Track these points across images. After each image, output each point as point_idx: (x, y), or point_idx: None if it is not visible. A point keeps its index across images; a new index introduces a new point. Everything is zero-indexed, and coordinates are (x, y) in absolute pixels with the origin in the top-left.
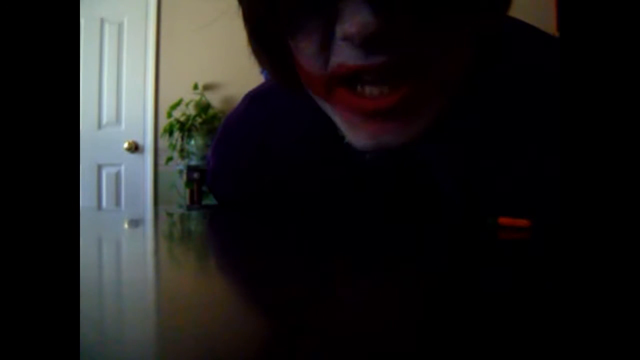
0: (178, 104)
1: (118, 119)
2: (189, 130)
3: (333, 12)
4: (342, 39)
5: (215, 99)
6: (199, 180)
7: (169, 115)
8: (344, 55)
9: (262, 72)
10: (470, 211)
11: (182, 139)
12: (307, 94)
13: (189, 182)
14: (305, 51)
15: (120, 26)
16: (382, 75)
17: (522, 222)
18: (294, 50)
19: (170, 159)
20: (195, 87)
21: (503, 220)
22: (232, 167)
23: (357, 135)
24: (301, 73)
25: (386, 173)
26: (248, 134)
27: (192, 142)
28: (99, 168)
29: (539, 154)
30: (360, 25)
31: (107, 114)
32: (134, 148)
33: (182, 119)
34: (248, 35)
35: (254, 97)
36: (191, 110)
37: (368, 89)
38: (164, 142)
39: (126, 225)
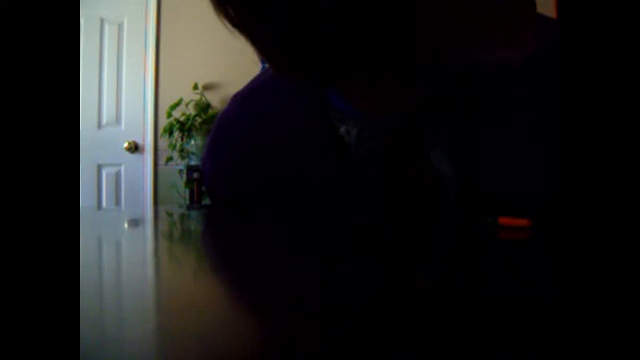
0: (178, 104)
1: (118, 119)
2: (189, 130)
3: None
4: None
5: (215, 99)
6: (199, 180)
7: (169, 115)
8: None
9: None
10: (470, 209)
11: (182, 139)
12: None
13: (189, 182)
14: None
15: (120, 26)
16: None
17: (522, 222)
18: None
19: (170, 158)
20: (195, 87)
21: (503, 220)
22: (229, 169)
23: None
24: None
25: (381, 168)
26: (241, 135)
27: (192, 142)
28: (99, 168)
29: (541, 152)
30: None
31: (107, 114)
32: (134, 148)
33: (182, 119)
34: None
35: (243, 97)
36: (191, 110)
37: None
38: (163, 142)
39: (126, 225)
